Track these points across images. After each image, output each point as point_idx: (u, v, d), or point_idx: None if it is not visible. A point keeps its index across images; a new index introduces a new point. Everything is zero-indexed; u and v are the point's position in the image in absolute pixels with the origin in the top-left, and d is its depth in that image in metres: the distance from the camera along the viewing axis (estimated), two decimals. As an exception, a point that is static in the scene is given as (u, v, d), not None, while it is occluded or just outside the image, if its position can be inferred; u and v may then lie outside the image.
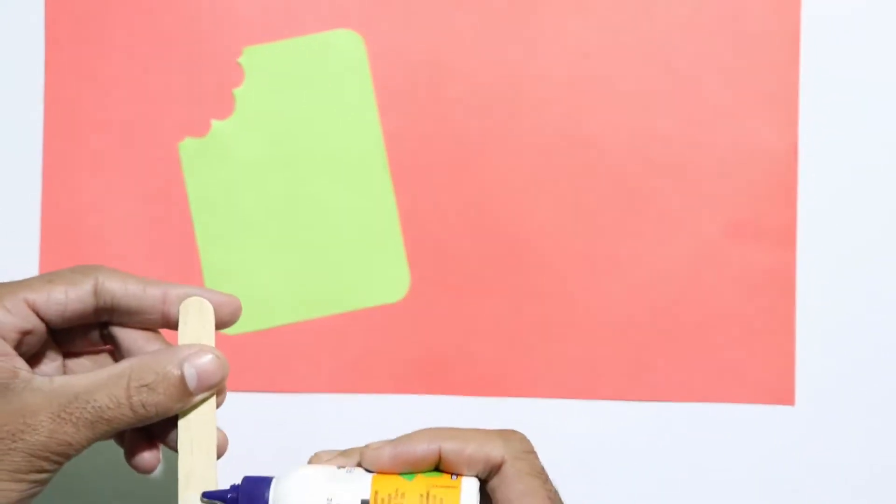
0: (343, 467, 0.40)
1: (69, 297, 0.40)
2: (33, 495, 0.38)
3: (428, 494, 0.39)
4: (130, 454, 0.42)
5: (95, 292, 0.40)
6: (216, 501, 0.40)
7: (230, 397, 0.54)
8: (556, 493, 0.40)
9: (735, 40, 0.54)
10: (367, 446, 0.41)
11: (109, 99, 0.55)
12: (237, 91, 0.55)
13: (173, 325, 0.40)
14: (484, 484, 0.40)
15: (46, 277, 0.40)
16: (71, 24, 0.55)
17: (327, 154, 0.55)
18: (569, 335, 0.54)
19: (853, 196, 0.55)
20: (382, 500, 0.39)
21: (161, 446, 0.42)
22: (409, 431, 0.54)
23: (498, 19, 0.55)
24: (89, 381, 0.38)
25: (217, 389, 0.40)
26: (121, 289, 0.40)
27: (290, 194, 0.55)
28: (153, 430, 0.41)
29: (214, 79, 0.55)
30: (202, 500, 0.40)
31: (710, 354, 0.54)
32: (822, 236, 0.54)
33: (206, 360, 0.39)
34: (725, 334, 0.54)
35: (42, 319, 0.39)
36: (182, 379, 0.39)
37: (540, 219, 0.55)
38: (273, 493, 0.39)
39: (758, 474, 0.54)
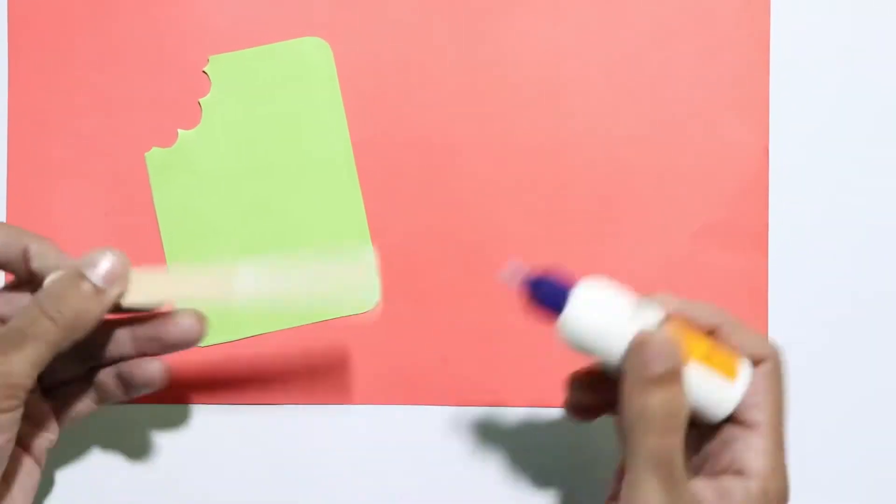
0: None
1: None
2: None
3: (712, 352, 0.41)
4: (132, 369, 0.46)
5: None
6: (516, 275, 0.42)
7: (198, 407, 0.54)
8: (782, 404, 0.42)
9: (705, 43, 0.54)
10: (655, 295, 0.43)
11: (74, 109, 0.54)
12: (203, 100, 0.54)
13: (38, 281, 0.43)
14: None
15: None
16: (34, 34, 0.55)
17: (295, 163, 0.54)
18: (543, 343, 0.54)
19: (825, 199, 0.55)
20: (677, 328, 0.41)
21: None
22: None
23: (467, 25, 0.55)
24: (9, 315, 0.43)
25: (124, 283, 0.43)
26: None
27: (258, 204, 0.54)
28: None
29: (180, 88, 0.54)
30: (508, 267, 0.42)
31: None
32: (794, 240, 0.54)
33: (102, 256, 0.42)
34: (699, 340, 0.54)
35: None
36: (83, 275, 0.41)
37: (512, 225, 0.54)
38: (577, 298, 0.41)
39: (733, 480, 0.54)
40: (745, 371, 0.41)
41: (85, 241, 0.54)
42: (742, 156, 0.54)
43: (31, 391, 0.41)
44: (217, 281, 0.44)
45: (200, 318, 0.45)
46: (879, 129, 0.55)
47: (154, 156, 0.54)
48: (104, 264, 0.42)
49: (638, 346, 0.40)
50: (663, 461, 0.38)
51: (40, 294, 0.41)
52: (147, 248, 0.54)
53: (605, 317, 0.40)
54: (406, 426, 0.54)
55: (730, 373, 0.41)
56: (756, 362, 0.42)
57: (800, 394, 0.54)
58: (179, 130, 0.54)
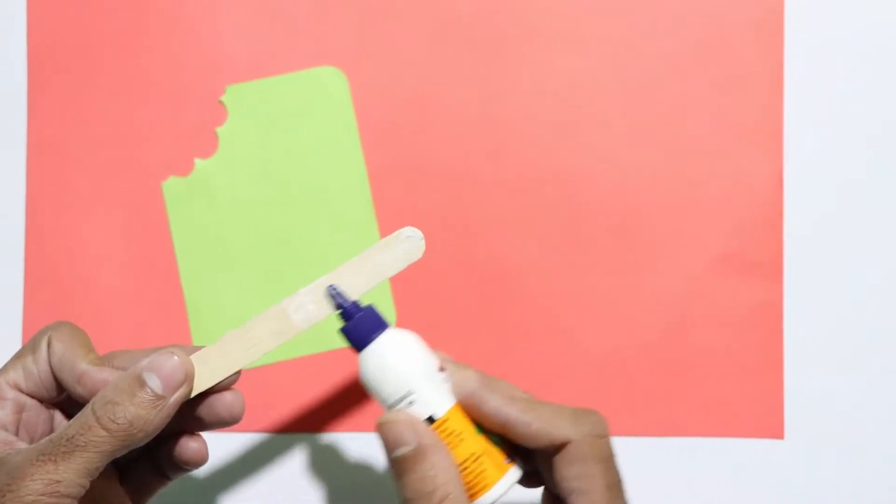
0: (443, 371, 0.41)
1: (39, 366, 0.41)
2: None
3: (477, 458, 0.40)
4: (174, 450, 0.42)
5: (49, 354, 0.41)
6: (336, 299, 0.41)
7: (211, 437, 0.53)
8: (618, 481, 0.40)
9: (720, 74, 0.55)
10: (464, 370, 0.41)
11: (92, 138, 0.55)
12: (220, 129, 0.54)
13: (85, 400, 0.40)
14: (550, 458, 0.41)
15: (17, 353, 0.41)
16: (53, 63, 0.55)
17: (311, 192, 0.54)
18: (556, 370, 0.54)
19: (839, 229, 0.55)
20: (444, 430, 0.40)
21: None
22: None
23: (482, 56, 0.55)
24: (64, 424, 0.39)
25: (189, 385, 0.40)
26: (59, 351, 0.41)
27: (274, 233, 0.54)
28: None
29: (197, 117, 0.55)
30: (327, 290, 0.41)
31: (699, 388, 0.54)
32: (808, 269, 0.54)
33: (164, 360, 0.39)
34: (713, 368, 0.54)
35: (28, 394, 0.41)
36: (142, 381, 0.38)
37: (526, 254, 0.54)
38: (379, 340, 0.41)
39: (748, 509, 0.54)
40: (505, 481, 0.40)
41: (102, 270, 0.54)
42: (757, 185, 0.54)
43: (106, 477, 0.40)
44: (275, 322, 0.41)
45: (240, 399, 0.42)
46: (894, 158, 0.55)
47: (171, 185, 0.54)
48: (166, 370, 0.39)
49: (379, 429, 0.40)
50: None
51: (96, 399, 0.38)
52: (163, 276, 0.54)
53: (402, 366, 0.40)
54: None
55: (489, 480, 0.40)
56: (558, 447, 0.40)
57: (816, 423, 0.54)
58: (196, 159, 0.55)
